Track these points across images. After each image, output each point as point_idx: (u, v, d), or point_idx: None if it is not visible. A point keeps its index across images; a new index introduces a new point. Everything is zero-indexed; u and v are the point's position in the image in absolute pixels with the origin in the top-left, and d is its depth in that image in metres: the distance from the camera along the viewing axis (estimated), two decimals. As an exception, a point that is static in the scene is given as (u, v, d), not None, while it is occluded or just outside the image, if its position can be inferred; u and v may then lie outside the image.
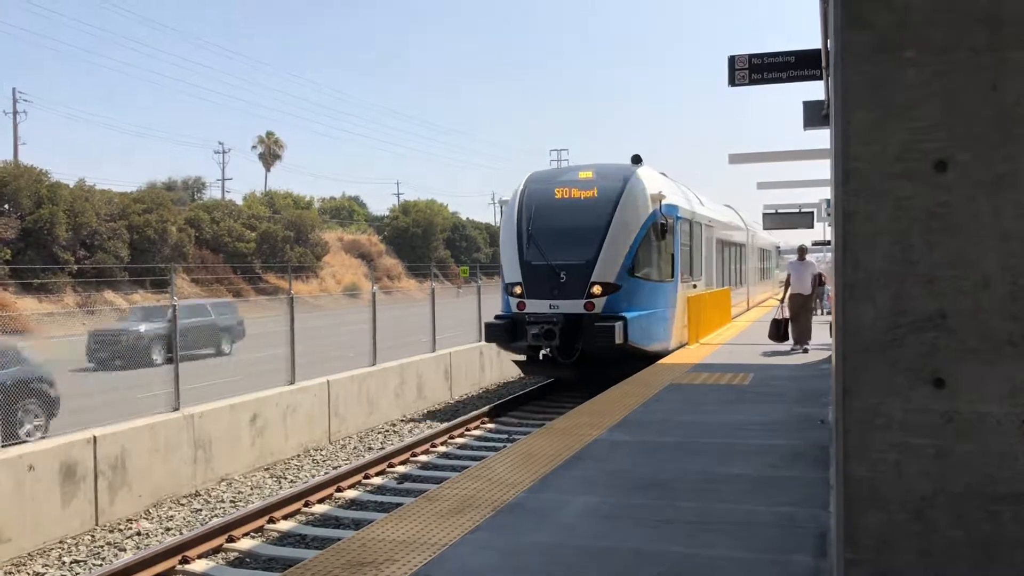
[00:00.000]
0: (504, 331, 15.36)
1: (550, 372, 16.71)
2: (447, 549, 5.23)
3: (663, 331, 15.83)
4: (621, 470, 7.11)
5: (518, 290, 15.29)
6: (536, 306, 14.99)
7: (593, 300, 14.62)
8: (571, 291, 14.73)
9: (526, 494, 6.41)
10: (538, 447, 8.02)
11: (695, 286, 18.20)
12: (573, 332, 14.63)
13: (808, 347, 15.79)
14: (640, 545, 5.25)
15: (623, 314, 14.48)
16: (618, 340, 14.04)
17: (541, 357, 16.01)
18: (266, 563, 8.34)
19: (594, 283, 14.64)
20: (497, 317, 15.74)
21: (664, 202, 15.61)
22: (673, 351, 16.06)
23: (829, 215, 23.99)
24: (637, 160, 16.23)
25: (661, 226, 15.32)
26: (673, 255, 16.30)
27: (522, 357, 16.14)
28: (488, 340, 16.05)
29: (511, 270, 15.63)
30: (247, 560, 8.46)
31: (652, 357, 14.96)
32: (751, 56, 12.72)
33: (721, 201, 27.94)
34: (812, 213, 27.99)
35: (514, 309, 15.38)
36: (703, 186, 29.06)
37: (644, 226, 15.10)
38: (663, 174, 17.67)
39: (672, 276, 16.25)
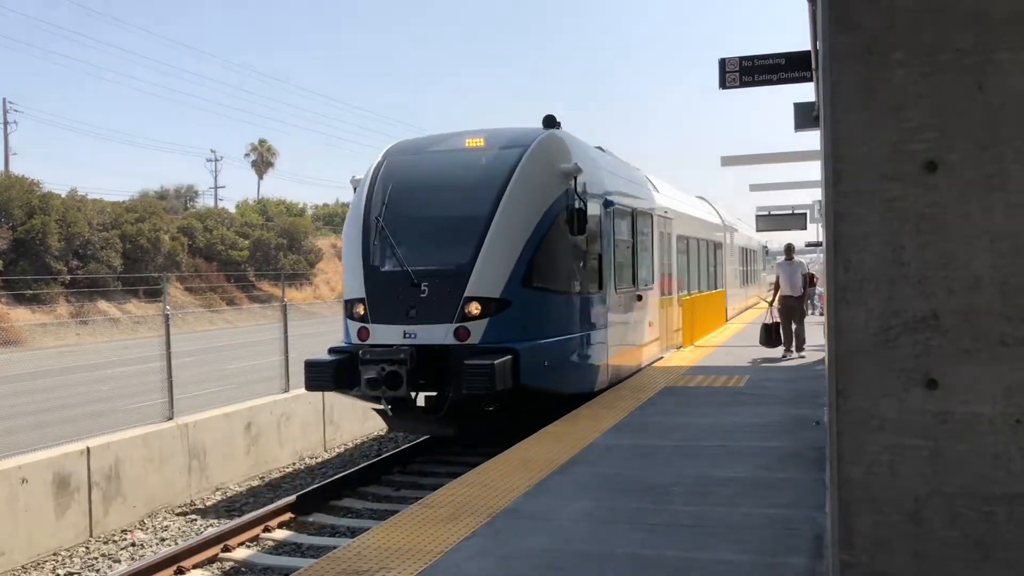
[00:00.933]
0: (334, 372, 10.16)
1: (423, 428, 11.64)
2: (442, 556, 5.21)
3: (584, 363, 11.18)
4: (617, 474, 7.11)
5: (360, 310, 10.50)
6: (385, 334, 10.20)
7: (467, 325, 9.90)
8: (436, 311, 10.01)
9: (521, 499, 6.40)
10: (533, 452, 8.00)
11: (640, 297, 13.57)
12: (439, 372, 9.98)
13: (805, 352, 15.21)
14: (636, 549, 5.24)
15: (513, 344, 9.73)
16: (503, 383, 9.34)
17: (419, 403, 11.11)
18: (262, 572, 8.31)
19: (470, 299, 9.91)
20: (332, 351, 10.67)
21: (585, 180, 11.01)
22: (606, 389, 11.77)
23: (822, 216, 24.05)
24: (551, 123, 11.44)
25: (578, 214, 10.53)
26: (601, 256, 11.70)
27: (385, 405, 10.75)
28: (310, 387, 10.48)
29: (353, 281, 10.79)
30: (243, 569, 8.43)
31: (572, 401, 10.75)
32: (741, 59, 12.76)
33: (696, 194, 24.91)
34: (805, 214, 28.08)
35: (355, 339, 10.51)
36: (696, 190, 25.41)
37: (550, 214, 10.39)
38: (600, 149, 13.47)
39: (599, 285, 11.59)
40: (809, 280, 16.07)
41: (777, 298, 15.46)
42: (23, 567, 8.90)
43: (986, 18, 2.83)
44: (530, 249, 10.21)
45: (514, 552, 5.27)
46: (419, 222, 10.73)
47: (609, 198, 12.15)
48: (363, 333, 10.43)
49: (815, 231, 33.12)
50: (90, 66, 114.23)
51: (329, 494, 10.60)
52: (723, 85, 12.82)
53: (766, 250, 43.45)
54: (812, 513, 5.79)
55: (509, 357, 9.55)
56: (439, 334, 9.98)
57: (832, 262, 2.98)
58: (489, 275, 10.02)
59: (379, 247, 10.65)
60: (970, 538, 2.83)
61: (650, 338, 14.49)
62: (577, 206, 10.61)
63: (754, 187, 27.43)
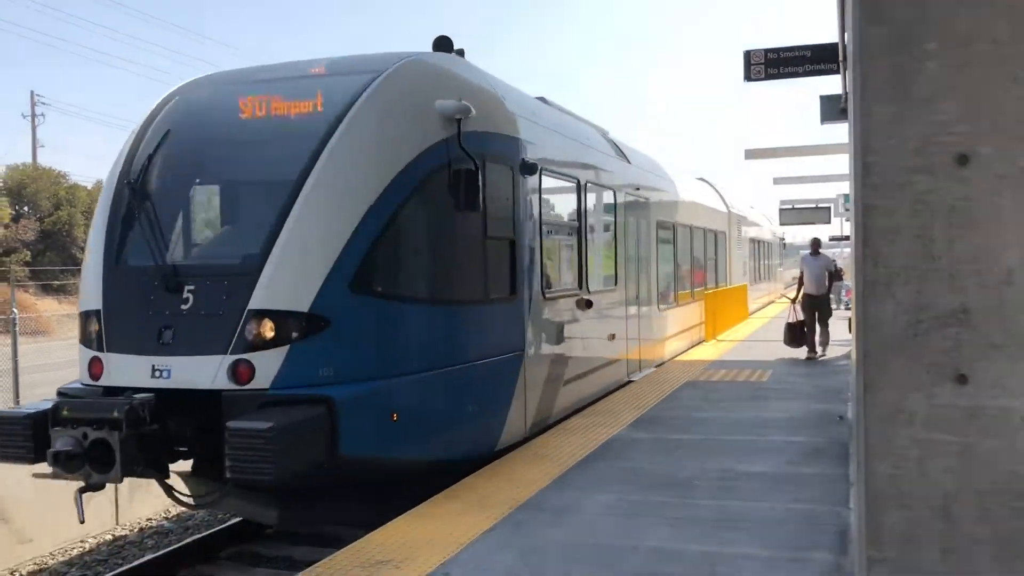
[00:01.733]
0: (32, 434, 6.18)
1: (236, 507, 7.49)
2: (465, 548, 5.23)
3: (474, 411, 7.33)
4: (639, 468, 7.10)
5: (95, 329, 6.68)
6: (125, 370, 6.42)
7: (252, 357, 6.09)
8: (202, 334, 6.24)
9: (544, 492, 6.41)
10: (555, 445, 8.00)
11: (588, 303, 9.77)
12: (209, 435, 6.06)
13: (826, 354, 14.36)
14: (659, 543, 5.23)
15: (329, 390, 6.05)
16: (298, 460, 5.68)
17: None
18: (285, 562, 8.37)
19: (258, 314, 6.12)
20: (61, 393, 6.79)
21: (484, 129, 7.37)
22: (523, 442, 8.07)
23: (847, 210, 23.86)
24: (444, 47, 7.93)
25: (466, 177, 6.80)
26: (515, 243, 7.87)
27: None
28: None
29: (88, 285, 6.93)
30: (266, 559, 8.49)
31: (450, 472, 6.93)
32: (767, 51, 12.63)
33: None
34: (829, 208, 27.85)
35: (88, 377, 6.68)
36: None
37: (411, 176, 6.66)
38: (543, 100, 10.00)
39: (510, 288, 7.83)
40: (836, 275, 15.36)
41: (800, 295, 14.63)
42: (51, 554, 9.02)
43: (1022, 8, 2.78)
44: (369, 232, 6.36)
45: (537, 544, 5.28)
46: (194, 191, 7.17)
47: (531, 159, 8.14)
48: (96, 367, 6.59)
49: (839, 225, 32.81)
50: (112, 57, 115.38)
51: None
52: (748, 77, 12.71)
53: (783, 243, 38.82)
54: (837, 508, 5.76)
55: (318, 412, 5.86)
56: (206, 372, 6.15)
57: (861, 256, 2.96)
58: (292, 275, 6.20)
59: (128, 230, 6.88)
60: (1000, 534, 2.81)
61: (609, 358, 10.94)
62: (461, 167, 6.79)
63: (778, 180, 27.24)
